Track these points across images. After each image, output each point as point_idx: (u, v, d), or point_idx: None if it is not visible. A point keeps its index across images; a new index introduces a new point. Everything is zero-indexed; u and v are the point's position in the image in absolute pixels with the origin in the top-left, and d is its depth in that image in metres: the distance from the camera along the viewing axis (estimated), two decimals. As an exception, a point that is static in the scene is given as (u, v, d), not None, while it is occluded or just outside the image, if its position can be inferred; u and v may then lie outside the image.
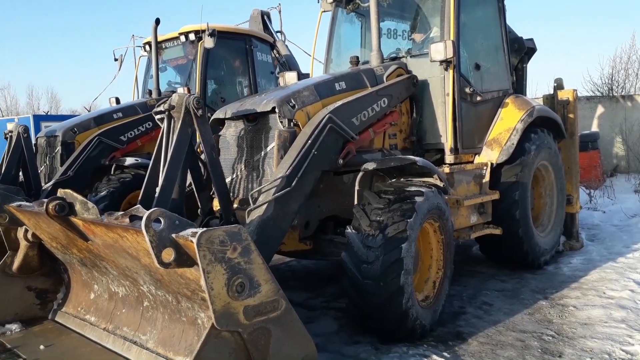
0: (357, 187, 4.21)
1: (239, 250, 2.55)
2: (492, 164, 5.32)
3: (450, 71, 5.04)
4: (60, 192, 3.31)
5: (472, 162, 5.44)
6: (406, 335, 3.79)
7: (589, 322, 4.13)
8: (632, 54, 15.44)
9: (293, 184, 3.80)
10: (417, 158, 4.11)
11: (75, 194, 3.26)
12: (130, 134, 7.64)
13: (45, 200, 3.47)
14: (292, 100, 4.21)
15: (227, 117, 4.47)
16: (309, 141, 4.00)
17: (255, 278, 2.63)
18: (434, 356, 3.58)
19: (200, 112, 3.87)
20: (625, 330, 3.91)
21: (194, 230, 2.49)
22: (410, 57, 5.48)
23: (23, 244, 4.28)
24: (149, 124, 7.88)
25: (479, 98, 5.37)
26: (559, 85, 6.69)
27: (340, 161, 4.24)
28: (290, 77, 5.95)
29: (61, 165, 7.10)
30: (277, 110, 4.10)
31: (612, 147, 11.98)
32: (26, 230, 4.26)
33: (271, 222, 3.67)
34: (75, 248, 3.86)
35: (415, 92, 5.17)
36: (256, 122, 4.35)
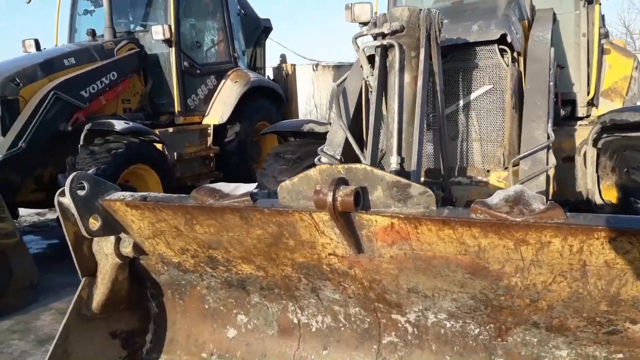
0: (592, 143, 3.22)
1: None
2: (617, 117, 4.70)
3: (596, 6, 4.23)
4: (336, 167, 1.76)
5: (588, 116, 4.76)
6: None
7: None
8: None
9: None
10: None
11: (375, 170, 1.76)
12: (93, 88, 5.51)
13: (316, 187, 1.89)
14: (512, 27, 3.03)
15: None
16: (551, 82, 2.93)
17: None
18: None
19: (442, 36, 2.52)
20: None
21: None
22: None
23: (111, 263, 2.50)
24: (113, 75, 5.79)
25: (603, 40, 4.66)
26: None
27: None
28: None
29: (2, 133, 4.80)
30: (508, 39, 2.88)
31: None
32: (118, 240, 2.48)
33: None
34: (272, 265, 2.28)
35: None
36: (447, 57, 3.06)
